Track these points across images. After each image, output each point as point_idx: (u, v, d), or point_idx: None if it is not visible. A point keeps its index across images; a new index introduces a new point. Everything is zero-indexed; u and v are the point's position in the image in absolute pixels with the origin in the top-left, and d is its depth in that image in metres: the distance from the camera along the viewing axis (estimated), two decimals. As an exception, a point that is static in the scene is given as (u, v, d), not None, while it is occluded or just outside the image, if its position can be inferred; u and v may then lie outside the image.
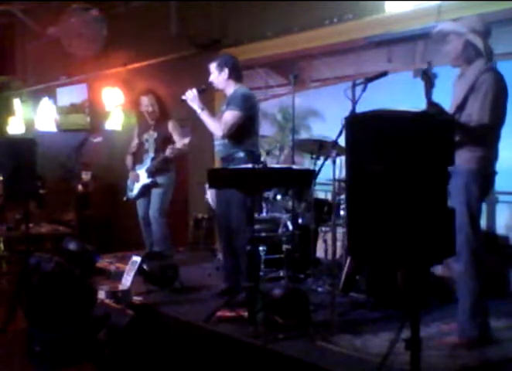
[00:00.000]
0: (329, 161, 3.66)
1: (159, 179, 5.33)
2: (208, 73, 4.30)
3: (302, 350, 3.16)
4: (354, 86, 3.37)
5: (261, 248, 4.66)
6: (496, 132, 3.18)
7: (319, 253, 4.82)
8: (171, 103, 5.56)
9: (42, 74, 8.99)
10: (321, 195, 5.43)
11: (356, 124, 2.41)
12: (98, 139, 7.32)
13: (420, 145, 2.14)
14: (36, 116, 9.17)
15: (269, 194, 4.94)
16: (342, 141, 2.79)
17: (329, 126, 5.39)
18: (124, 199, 5.58)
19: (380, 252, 2.25)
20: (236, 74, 4.25)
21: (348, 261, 4.16)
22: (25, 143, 4.62)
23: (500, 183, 3.52)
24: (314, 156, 4.63)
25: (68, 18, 7.38)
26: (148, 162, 5.36)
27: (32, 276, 3.98)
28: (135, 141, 5.57)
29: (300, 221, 4.78)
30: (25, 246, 4.82)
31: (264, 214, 5.05)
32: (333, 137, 3.51)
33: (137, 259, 4.37)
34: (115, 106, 7.56)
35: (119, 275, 4.56)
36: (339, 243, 4.37)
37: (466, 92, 3.12)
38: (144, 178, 5.36)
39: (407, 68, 5.22)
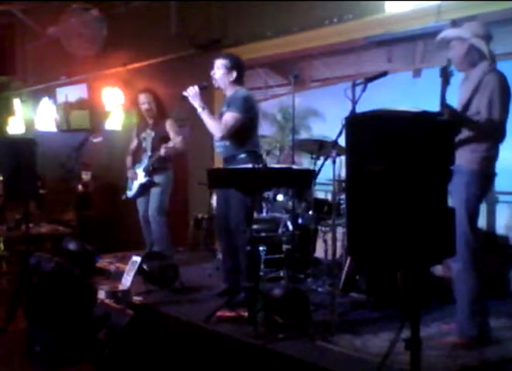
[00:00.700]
0: (329, 161, 3.66)
1: (157, 178, 5.34)
2: (209, 71, 4.28)
3: (302, 350, 3.16)
4: (354, 86, 3.37)
5: (261, 248, 4.66)
6: (499, 131, 3.19)
7: (319, 253, 4.82)
8: (171, 103, 5.56)
9: (42, 74, 8.98)
10: (321, 195, 5.43)
11: (356, 124, 2.41)
12: (98, 139, 7.31)
13: (420, 145, 2.14)
14: (36, 116, 9.17)
15: (269, 194, 4.95)
16: (342, 141, 2.79)
17: (329, 126, 5.39)
18: (123, 197, 5.59)
19: (380, 252, 2.25)
20: (241, 77, 4.25)
21: (348, 261, 4.16)
22: (25, 143, 4.61)
23: (500, 183, 3.53)
24: (314, 156, 4.63)
25: (68, 18, 7.38)
26: (145, 161, 5.37)
27: (32, 276, 3.99)
28: (135, 141, 5.58)
29: (300, 221, 4.78)
30: (25, 246, 4.81)
31: (264, 214, 5.05)
32: (333, 137, 3.51)
33: (137, 259, 4.37)
34: (115, 106, 7.56)
35: (119, 275, 4.56)
36: (339, 243, 4.36)
37: (472, 92, 3.14)
38: (141, 177, 5.37)
39: (407, 68, 5.22)
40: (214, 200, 5.29)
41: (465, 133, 3.15)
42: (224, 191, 4.22)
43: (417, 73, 5.27)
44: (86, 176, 8.16)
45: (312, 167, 4.54)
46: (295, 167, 4.38)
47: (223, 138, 4.15)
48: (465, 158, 3.10)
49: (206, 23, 6.65)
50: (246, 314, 3.58)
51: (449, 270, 3.63)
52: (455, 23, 3.34)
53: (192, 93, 4.14)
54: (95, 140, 7.09)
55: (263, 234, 4.72)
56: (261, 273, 4.58)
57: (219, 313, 3.68)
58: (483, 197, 3.27)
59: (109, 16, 7.41)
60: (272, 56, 6.04)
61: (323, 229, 4.70)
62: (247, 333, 3.40)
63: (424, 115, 2.21)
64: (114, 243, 6.89)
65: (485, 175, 3.17)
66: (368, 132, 2.28)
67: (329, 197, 4.85)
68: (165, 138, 5.28)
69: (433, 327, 3.48)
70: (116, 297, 4.09)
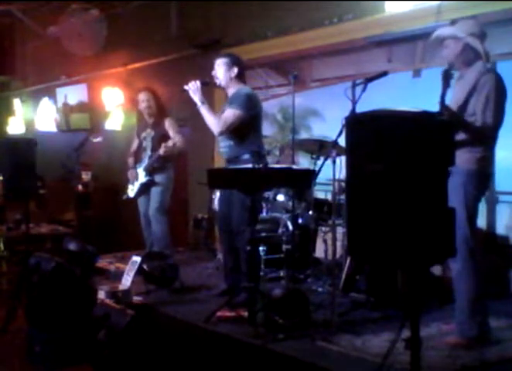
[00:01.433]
0: (329, 161, 3.66)
1: (157, 178, 5.34)
2: (209, 71, 4.28)
3: (302, 350, 3.15)
4: (354, 86, 3.37)
5: (261, 248, 4.66)
6: (496, 133, 3.20)
7: (319, 253, 4.83)
8: (171, 103, 5.57)
9: (42, 74, 8.99)
10: (321, 195, 5.43)
11: (356, 124, 2.41)
12: (98, 139, 7.32)
13: (420, 145, 2.14)
14: (36, 116, 9.17)
15: (269, 194, 4.95)
16: (342, 141, 2.79)
17: (329, 126, 5.41)
18: (124, 197, 5.59)
19: (380, 252, 2.25)
20: (242, 75, 4.25)
21: (348, 261, 4.16)
22: (25, 143, 4.61)
23: (500, 183, 3.53)
24: (314, 156, 4.64)
25: (68, 18, 7.38)
26: (145, 161, 5.37)
27: (32, 276, 3.99)
28: (136, 141, 5.59)
29: (300, 221, 4.79)
30: (25, 246, 4.81)
31: (264, 214, 5.05)
32: (333, 137, 3.51)
33: (137, 259, 4.37)
34: (115, 106, 7.56)
35: (119, 275, 4.56)
36: (339, 243, 4.37)
37: (467, 93, 3.13)
38: (142, 177, 5.38)
39: (407, 68, 5.23)
40: (216, 199, 5.30)
41: (461, 134, 3.15)
42: (227, 191, 4.21)
43: (417, 73, 5.28)
44: (86, 176, 8.16)
45: (312, 167, 4.54)
46: (295, 167, 4.38)
47: (221, 134, 4.15)
48: (462, 159, 3.09)
49: (206, 23, 6.65)
50: (246, 314, 3.58)
51: (449, 270, 3.63)
52: (455, 23, 3.33)
53: (193, 87, 4.14)
54: (95, 140, 7.09)
55: (263, 234, 4.72)
56: (261, 273, 4.57)
57: (219, 313, 3.68)
58: (482, 197, 3.27)
59: (109, 16, 7.42)
60: (272, 56, 6.04)
61: (323, 229, 4.70)
62: (247, 333, 3.40)
63: (424, 115, 2.21)
64: (114, 243, 6.88)
65: (482, 174, 3.17)
66: (368, 132, 2.28)
67: (329, 197, 4.85)
68: (165, 137, 5.28)
69: (433, 327, 3.48)
70: (116, 297, 4.08)
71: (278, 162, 5.18)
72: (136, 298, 4.25)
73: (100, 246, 5.53)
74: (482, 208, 3.47)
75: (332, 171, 3.54)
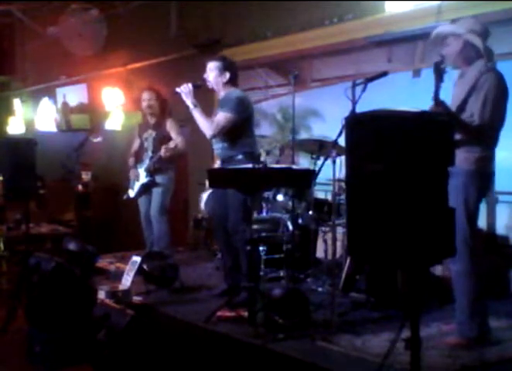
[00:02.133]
0: (329, 161, 3.66)
1: (158, 178, 5.35)
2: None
3: (302, 350, 3.15)
4: (354, 86, 3.37)
5: (261, 248, 4.66)
6: (495, 133, 3.18)
7: (319, 253, 4.83)
8: (171, 103, 5.56)
9: (42, 74, 8.99)
10: (321, 195, 5.43)
11: (356, 124, 2.41)
12: (98, 139, 7.32)
13: (420, 145, 2.14)
14: (36, 116, 9.17)
15: (269, 194, 4.95)
16: (342, 141, 2.79)
17: (329, 126, 5.40)
18: (125, 197, 5.59)
19: (380, 252, 2.25)
20: (233, 79, 4.25)
21: (348, 261, 4.16)
22: (25, 143, 4.61)
23: (500, 183, 3.53)
24: (314, 156, 4.64)
25: (68, 18, 7.38)
26: (146, 161, 5.38)
27: (32, 276, 3.99)
28: (137, 141, 5.59)
29: (300, 221, 4.78)
30: (25, 246, 4.81)
31: (264, 214, 5.05)
32: (333, 137, 3.51)
33: (137, 259, 4.37)
34: (115, 106, 7.56)
35: (119, 275, 4.56)
36: (339, 243, 4.37)
37: (467, 93, 3.12)
38: (143, 178, 5.39)
39: (407, 68, 5.22)
40: (204, 199, 5.33)
41: (458, 133, 3.14)
42: (222, 191, 4.22)
43: (417, 73, 5.27)
44: (86, 176, 8.16)
45: (312, 167, 4.54)
46: (295, 167, 4.38)
47: (213, 137, 4.17)
48: (461, 159, 3.08)
49: (206, 23, 6.65)
50: (246, 314, 3.58)
51: (449, 270, 3.63)
52: (455, 22, 3.33)
53: (185, 90, 4.15)
54: (95, 140, 7.09)
55: (263, 234, 4.72)
56: (261, 273, 4.57)
57: (219, 313, 3.68)
58: (482, 197, 3.26)
59: (109, 16, 7.42)
60: (272, 56, 6.04)
61: (323, 229, 4.70)
62: (247, 333, 3.40)
63: (424, 115, 2.21)
64: (114, 243, 6.89)
65: (482, 174, 3.16)
66: (368, 132, 2.28)
67: (329, 197, 4.85)
68: (167, 138, 5.29)
69: (433, 327, 3.48)
70: (116, 297, 4.09)
71: (278, 162, 5.18)
72: (136, 298, 4.25)
73: (100, 246, 5.53)
74: (482, 208, 3.46)
75: (332, 171, 3.54)
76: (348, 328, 3.47)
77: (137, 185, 5.44)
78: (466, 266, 3.11)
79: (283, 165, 4.80)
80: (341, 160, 3.91)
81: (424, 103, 3.06)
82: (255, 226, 4.23)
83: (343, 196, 4.47)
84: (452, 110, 3.11)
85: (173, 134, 5.29)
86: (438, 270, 4.10)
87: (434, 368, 2.86)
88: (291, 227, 4.59)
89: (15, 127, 9.65)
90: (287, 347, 3.20)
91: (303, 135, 5.91)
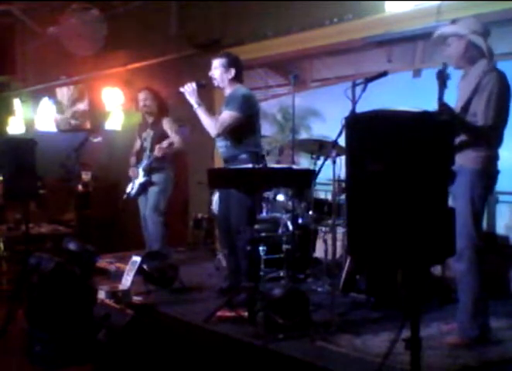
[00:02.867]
0: (329, 161, 3.66)
1: (154, 178, 5.33)
2: (208, 73, 4.28)
3: (302, 350, 3.16)
4: (354, 86, 3.37)
5: (261, 248, 4.66)
6: (499, 132, 3.19)
7: (319, 253, 4.83)
8: (171, 103, 5.56)
9: (42, 74, 8.98)
10: (321, 195, 5.43)
11: (356, 124, 2.41)
12: (98, 139, 7.31)
13: (420, 145, 2.14)
14: (36, 116, 9.17)
15: (269, 194, 4.95)
16: (342, 141, 2.79)
17: (329, 126, 5.41)
18: (125, 196, 5.58)
19: (380, 251, 2.25)
20: (239, 75, 4.25)
21: (348, 261, 4.16)
22: (25, 143, 4.61)
23: (500, 183, 3.52)
24: (314, 156, 4.64)
25: (68, 18, 7.37)
26: (145, 161, 5.38)
27: (32, 276, 3.98)
28: (138, 141, 5.59)
29: (300, 221, 4.78)
30: (25, 246, 4.81)
31: (264, 214, 5.05)
32: (333, 137, 3.51)
33: (137, 259, 4.37)
34: (115, 106, 7.55)
35: (119, 275, 4.56)
36: (339, 243, 4.37)
37: (470, 93, 3.12)
38: (140, 177, 5.38)
39: (407, 68, 5.23)
40: (215, 200, 5.30)
41: (463, 134, 3.15)
42: (225, 191, 4.21)
43: (417, 73, 5.28)
44: (86, 176, 8.15)
45: (312, 167, 4.54)
46: (295, 167, 4.38)
47: (218, 136, 4.15)
48: (468, 159, 3.10)
49: (206, 23, 6.65)
50: (246, 314, 3.58)
51: (450, 270, 3.63)
52: (455, 22, 3.33)
53: (189, 89, 4.14)
54: (95, 140, 7.09)
55: (263, 234, 4.72)
56: (261, 273, 4.58)
57: (219, 313, 3.68)
58: (487, 196, 3.27)
59: (109, 16, 7.41)
60: (272, 56, 6.03)
61: (323, 229, 4.70)
62: (247, 333, 3.40)
63: (424, 115, 2.21)
64: (114, 243, 6.89)
65: (488, 174, 3.17)
66: (368, 132, 2.27)
67: (329, 197, 4.85)
68: (164, 137, 5.28)
69: (433, 327, 3.48)
70: (116, 297, 4.09)
71: (278, 162, 5.18)
72: (136, 298, 4.26)
73: (100, 246, 5.53)
74: (483, 208, 3.46)
75: (332, 171, 3.54)
76: (348, 328, 3.47)
77: (136, 185, 5.44)
78: (471, 265, 3.11)
79: (283, 165, 4.80)
80: (341, 160, 3.91)
81: (425, 103, 3.05)
82: (255, 226, 4.23)
83: (343, 196, 4.47)
84: (457, 112, 3.12)
85: (170, 133, 5.28)
86: (438, 270, 4.10)
87: (434, 368, 2.86)
88: (291, 227, 4.59)
89: (15, 127, 9.65)
90: (287, 347, 3.20)
91: (303, 135, 5.93)
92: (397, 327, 2.74)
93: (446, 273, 4.00)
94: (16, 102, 9.72)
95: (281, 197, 4.92)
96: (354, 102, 3.34)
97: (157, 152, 5.15)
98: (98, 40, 7.27)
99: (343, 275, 4.15)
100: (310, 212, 4.68)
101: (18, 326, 4.16)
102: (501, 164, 3.24)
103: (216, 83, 4.25)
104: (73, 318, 3.73)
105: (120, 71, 7.58)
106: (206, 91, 4.44)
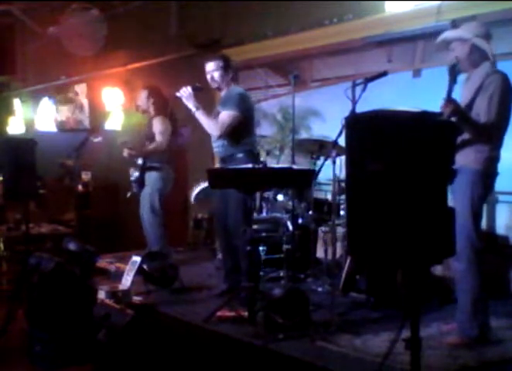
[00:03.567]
0: (329, 161, 3.66)
1: (146, 177, 5.27)
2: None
3: (302, 350, 3.16)
4: (354, 86, 3.38)
5: (261, 248, 4.67)
6: (501, 132, 3.19)
7: (319, 253, 4.83)
8: (171, 103, 5.55)
9: (42, 74, 8.98)
10: (321, 195, 5.43)
11: (356, 124, 2.41)
12: (98, 139, 7.32)
13: (420, 145, 2.14)
14: (36, 116, 9.17)
15: (269, 194, 4.95)
16: (342, 141, 2.79)
17: (329, 126, 5.41)
18: (128, 195, 5.54)
19: (380, 251, 2.25)
20: (235, 76, 4.28)
21: (348, 261, 4.16)
22: (25, 143, 4.60)
23: (500, 183, 3.52)
24: (314, 156, 4.64)
25: (68, 18, 7.37)
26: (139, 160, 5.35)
27: (32, 276, 3.98)
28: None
29: (300, 221, 4.79)
30: (25, 246, 4.81)
31: (264, 214, 5.05)
32: (333, 137, 3.51)
33: (137, 259, 4.37)
34: (115, 106, 7.55)
35: (119, 275, 4.56)
36: (339, 243, 4.37)
37: (474, 93, 3.13)
38: (133, 175, 5.36)
39: (407, 68, 5.23)
40: (193, 193, 5.36)
41: (466, 133, 3.15)
42: (223, 190, 4.22)
43: (417, 73, 5.28)
44: (86, 176, 8.15)
45: (312, 167, 4.54)
46: (295, 167, 4.38)
47: (220, 137, 4.15)
48: (469, 158, 3.11)
49: (206, 23, 6.65)
50: (246, 314, 3.58)
51: (449, 270, 3.63)
52: (455, 23, 3.34)
53: (185, 94, 4.13)
54: (95, 140, 7.09)
55: (263, 234, 4.72)
56: (261, 273, 4.58)
57: (219, 313, 3.68)
58: (487, 197, 3.27)
59: (109, 16, 7.41)
60: (272, 56, 6.04)
61: (323, 229, 4.70)
62: (247, 333, 3.40)
63: (425, 115, 2.21)
64: (114, 243, 6.88)
65: (488, 174, 3.18)
66: (368, 132, 2.27)
67: (329, 197, 4.85)
68: (152, 137, 5.24)
69: (433, 327, 3.48)
70: (116, 297, 4.09)
71: (278, 162, 5.18)
72: (136, 298, 4.25)
73: (100, 246, 5.53)
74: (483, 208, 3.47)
75: (333, 171, 3.54)
76: (348, 328, 3.47)
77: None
78: (471, 265, 3.12)
79: (283, 165, 4.80)
80: (341, 160, 3.91)
81: (425, 103, 3.05)
82: (255, 226, 4.23)
83: (343, 196, 4.47)
84: (464, 109, 3.12)
85: (156, 133, 5.23)
86: (438, 270, 4.10)
87: (434, 368, 2.86)
88: (291, 227, 4.59)
89: (15, 127, 9.65)
90: (287, 347, 3.20)
91: (303, 135, 5.93)
92: (397, 327, 2.74)
93: (446, 273, 4.00)
94: (16, 102, 9.73)
95: (281, 197, 4.92)
96: (354, 102, 3.35)
97: (125, 154, 5.14)
98: (98, 40, 7.27)
99: (343, 275, 4.15)
100: (310, 212, 4.68)
101: (18, 326, 4.16)
102: (501, 164, 3.25)
103: (215, 85, 4.26)
104: (73, 318, 3.73)
105: (120, 71, 7.58)
106: (206, 93, 4.44)
